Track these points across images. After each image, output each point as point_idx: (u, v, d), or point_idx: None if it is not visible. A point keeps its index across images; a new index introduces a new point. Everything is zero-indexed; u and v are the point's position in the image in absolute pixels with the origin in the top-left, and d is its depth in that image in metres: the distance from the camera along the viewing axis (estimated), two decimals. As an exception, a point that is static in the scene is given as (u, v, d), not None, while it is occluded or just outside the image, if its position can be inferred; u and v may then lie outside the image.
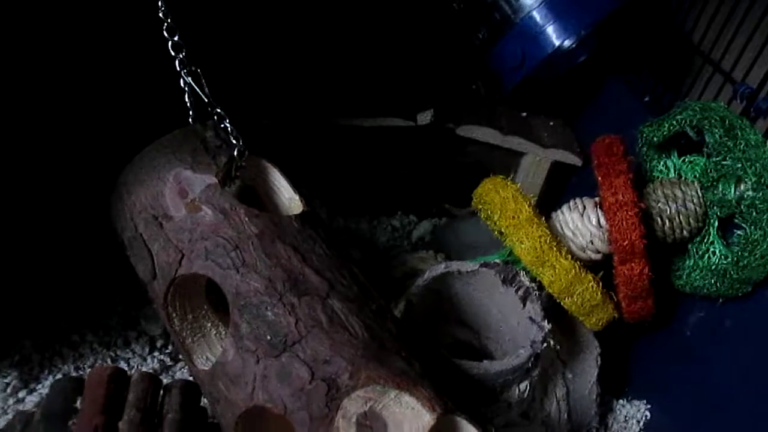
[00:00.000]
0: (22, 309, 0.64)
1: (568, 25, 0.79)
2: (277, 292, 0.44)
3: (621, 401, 0.72)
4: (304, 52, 0.79)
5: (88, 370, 0.65)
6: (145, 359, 0.67)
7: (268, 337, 0.42)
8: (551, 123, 0.90)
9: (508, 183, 0.63)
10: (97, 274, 0.69)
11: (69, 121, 0.57)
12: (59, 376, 0.64)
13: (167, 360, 0.67)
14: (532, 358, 0.55)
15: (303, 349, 0.42)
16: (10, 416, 0.60)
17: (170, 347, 0.69)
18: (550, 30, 0.78)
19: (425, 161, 0.88)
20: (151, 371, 0.58)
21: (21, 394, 0.62)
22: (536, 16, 0.78)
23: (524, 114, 0.90)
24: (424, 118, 0.84)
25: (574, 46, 0.75)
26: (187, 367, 0.50)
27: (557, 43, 0.78)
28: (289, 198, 0.53)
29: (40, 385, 0.63)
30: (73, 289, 0.68)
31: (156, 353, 0.68)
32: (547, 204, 0.77)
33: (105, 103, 0.58)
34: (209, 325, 0.50)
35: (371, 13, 0.84)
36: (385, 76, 0.85)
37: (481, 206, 0.66)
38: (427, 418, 0.40)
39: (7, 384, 0.61)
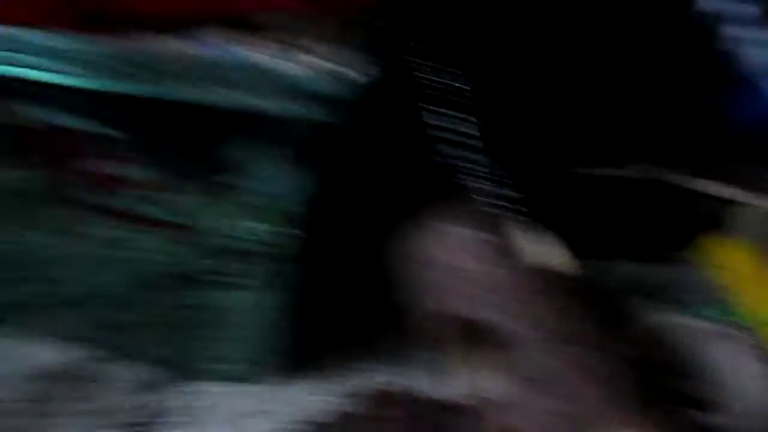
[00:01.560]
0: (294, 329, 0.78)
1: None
2: (549, 341, 0.52)
3: None
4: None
5: (343, 383, 0.77)
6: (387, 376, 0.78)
7: (536, 379, 0.51)
8: (775, 174, 0.89)
9: (742, 244, 0.67)
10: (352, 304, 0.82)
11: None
12: (319, 384, 0.76)
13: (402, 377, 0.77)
14: (763, 417, 0.59)
15: (561, 391, 0.50)
16: (280, 412, 0.73)
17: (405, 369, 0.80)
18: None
19: (645, 209, 0.92)
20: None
21: (292, 397, 0.75)
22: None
23: (746, 165, 0.90)
24: (648, 168, 0.88)
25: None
26: (446, 390, 0.60)
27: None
28: (547, 252, 0.61)
29: (305, 390, 0.76)
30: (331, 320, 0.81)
31: (395, 370, 0.79)
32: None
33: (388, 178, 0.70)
34: (466, 358, 0.59)
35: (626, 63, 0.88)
36: (622, 125, 0.89)
37: (709, 263, 0.70)
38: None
39: (279, 386, 0.75)
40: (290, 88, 0.43)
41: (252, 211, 0.55)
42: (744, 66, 0.82)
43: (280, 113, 0.45)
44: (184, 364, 0.74)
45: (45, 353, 0.76)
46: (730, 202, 0.89)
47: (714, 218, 0.89)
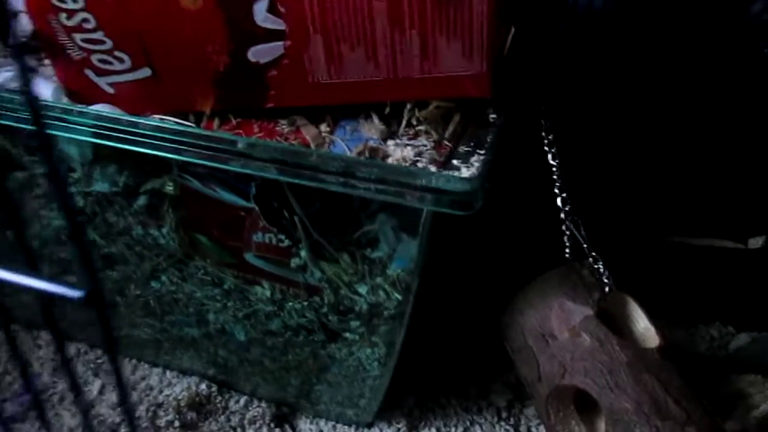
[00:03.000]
0: (412, 372, 0.85)
1: None
2: (644, 414, 0.56)
3: None
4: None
5: (453, 427, 0.84)
6: (494, 426, 0.84)
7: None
8: None
9: None
10: (462, 360, 0.88)
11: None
12: (433, 428, 0.83)
13: (511, 429, 0.83)
14: None
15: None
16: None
17: (512, 419, 0.85)
18: None
19: (751, 281, 0.93)
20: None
21: (407, 441, 0.82)
22: None
23: None
24: (756, 242, 0.89)
25: None
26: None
27: None
28: (644, 327, 0.65)
29: (420, 435, 0.83)
30: (446, 366, 0.88)
31: (502, 423, 0.85)
32: None
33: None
34: (573, 422, 0.64)
35: (707, 134, 0.91)
36: (719, 196, 0.92)
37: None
38: None
39: (399, 429, 0.82)
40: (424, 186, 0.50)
41: (382, 278, 0.62)
42: None
43: (417, 206, 0.52)
44: (292, 403, 0.82)
45: (176, 386, 0.87)
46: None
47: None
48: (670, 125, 0.90)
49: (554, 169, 0.66)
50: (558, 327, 0.63)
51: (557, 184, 0.66)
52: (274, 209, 0.59)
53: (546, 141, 0.67)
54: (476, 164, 0.51)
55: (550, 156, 0.66)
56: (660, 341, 0.62)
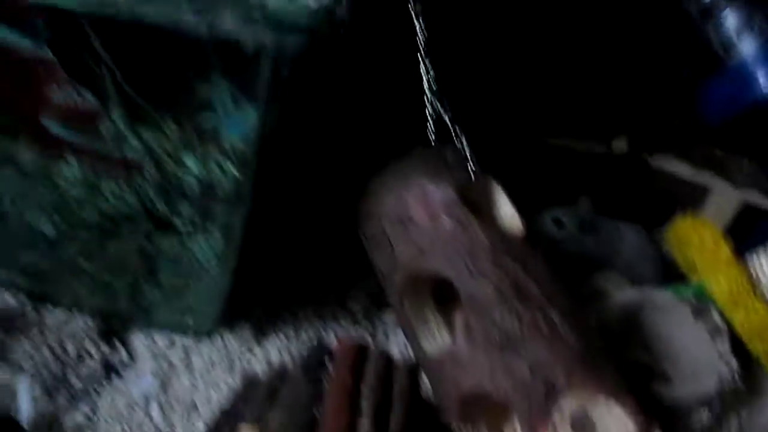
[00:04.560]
0: (259, 277, 0.76)
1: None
2: (505, 298, 0.51)
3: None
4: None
5: (305, 335, 0.76)
6: (349, 332, 0.78)
7: (496, 336, 0.50)
8: (746, 163, 0.91)
9: (709, 223, 0.67)
10: (316, 258, 0.81)
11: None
12: (283, 336, 0.76)
13: (367, 336, 0.77)
14: (718, 392, 0.59)
15: (525, 351, 0.49)
16: (245, 364, 0.73)
17: (369, 325, 0.79)
18: (763, 76, 0.79)
19: (613, 185, 0.92)
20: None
21: (254, 348, 0.74)
22: (751, 61, 0.80)
23: (720, 151, 0.91)
24: (619, 145, 0.88)
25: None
26: (410, 346, 0.59)
27: (769, 90, 0.79)
28: (509, 216, 0.60)
29: (267, 342, 0.75)
30: (297, 267, 0.80)
31: (358, 328, 0.78)
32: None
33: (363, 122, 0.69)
34: (430, 314, 0.58)
35: (580, 37, 0.89)
36: (585, 99, 0.90)
37: (675, 242, 0.70)
38: (632, 428, 0.46)
39: (244, 337, 0.74)
40: (262, 15, 0.41)
41: (214, 150, 0.53)
42: (730, 55, 0.82)
43: (250, 42, 0.42)
44: (122, 314, 0.71)
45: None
46: (698, 186, 0.89)
47: (683, 199, 0.90)
48: (538, 22, 0.86)
49: (421, 42, 0.58)
50: (417, 211, 0.56)
51: (424, 59, 0.58)
52: (76, 54, 0.47)
53: (413, 9, 0.59)
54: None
55: (417, 26, 0.58)
56: (524, 227, 0.57)
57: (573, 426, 0.46)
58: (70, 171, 0.55)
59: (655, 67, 0.90)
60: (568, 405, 0.47)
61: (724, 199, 0.89)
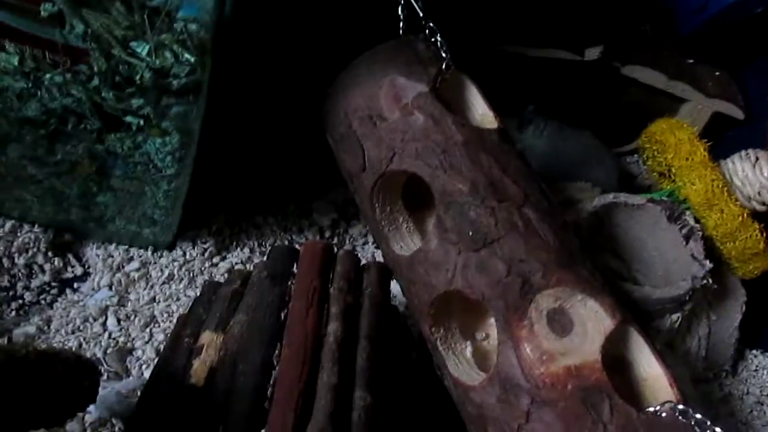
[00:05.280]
0: (220, 188, 0.73)
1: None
2: (479, 194, 0.49)
3: (754, 351, 0.74)
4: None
5: (269, 247, 0.74)
6: (315, 246, 0.75)
7: (470, 233, 0.48)
8: (717, 73, 0.89)
9: (684, 125, 0.65)
10: (281, 167, 0.77)
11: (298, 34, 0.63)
12: (245, 248, 0.73)
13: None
14: (690, 292, 0.58)
15: (501, 247, 0.47)
16: (206, 276, 0.70)
17: (336, 238, 0.77)
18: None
19: (586, 95, 0.90)
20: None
21: (215, 260, 0.71)
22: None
23: (691, 61, 0.89)
24: (592, 53, 0.85)
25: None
26: (381, 250, 0.57)
27: (743, -8, 0.77)
28: (482, 114, 0.57)
29: (229, 254, 0.72)
30: (260, 177, 0.76)
31: (324, 240, 0.76)
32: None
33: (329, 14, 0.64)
34: (401, 218, 0.56)
35: None
36: (557, 7, 0.86)
37: (649, 145, 0.68)
38: (608, 323, 0.45)
39: (205, 249, 0.71)
40: None
41: (167, 34, 0.48)
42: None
43: None
44: (76, 226, 0.67)
45: None
46: (670, 97, 0.88)
47: (651, 112, 0.89)
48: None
49: None
50: (388, 106, 0.53)
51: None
52: None
53: None
54: None
55: None
56: (499, 124, 0.54)
57: (549, 322, 0.45)
58: (8, 60, 0.50)
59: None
60: (544, 301, 0.45)
61: (697, 108, 0.87)
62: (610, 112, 0.91)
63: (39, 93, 0.53)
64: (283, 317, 0.49)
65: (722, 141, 0.91)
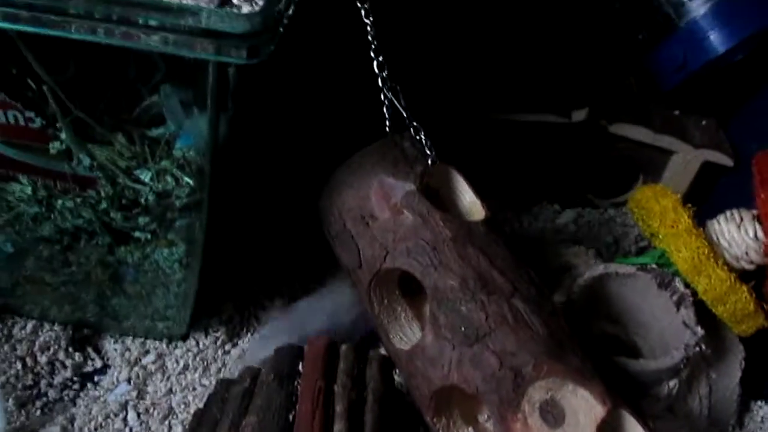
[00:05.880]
0: (228, 276, 0.76)
1: (733, 31, 0.80)
2: (470, 290, 0.51)
3: (759, 403, 0.75)
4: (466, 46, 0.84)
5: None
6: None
7: (463, 329, 0.50)
8: (703, 122, 0.92)
9: (668, 192, 0.68)
10: (283, 254, 0.80)
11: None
12: (255, 333, 0.76)
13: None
14: (684, 360, 0.60)
15: (492, 341, 0.50)
16: (219, 364, 0.73)
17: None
18: (715, 36, 0.80)
19: (575, 156, 0.93)
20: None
21: (227, 347, 0.74)
22: (701, 21, 0.80)
23: (676, 112, 0.92)
24: (579, 115, 0.88)
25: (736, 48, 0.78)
26: (382, 343, 0.59)
27: (721, 49, 0.79)
28: (470, 202, 0.60)
29: (240, 340, 0.75)
30: (265, 264, 0.79)
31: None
32: (692, 202, 0.78)
33: (317, 117, 0.68)
34: (399, 308, 0.58)
35: (532, 10, 0.88)
36: (541, 73, 0.90)
37: (636, 210, 0.71)
38: (600, 410, 0.47)
39: (217, 338, 0.74)
40: (194, 27, 0.39)
41: (168, 162, 0.52)
42: (680, 15, 0.82)
43: (188, 54, 0.41)
44: (93, 323, 0.71)
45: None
46: (659, 150, 0.90)
47: (645, 163, 0.92)
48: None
49: (369, 28, 0.57)
50: (378, 206, 0.56)
51: (373, 45, 0.57)
52: (13, 76, 0.46)
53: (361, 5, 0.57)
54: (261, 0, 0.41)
55: (363, 12, 0.57)
56: (486, 213, 0.57)
57: (542, 414, 0.47)
58: (22, 190, 0.54)
59: (609, 33, 0.90)
60: (536, 393, 0.47)
61: (686, 159, 0.90)
62: (601, 167, 0.93)
63: (52, 216, 0.56)
64: (291, 418, 0.51)
65: (716, 188, 0.93)
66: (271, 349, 0.61)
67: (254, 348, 0.69)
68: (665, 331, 0.65)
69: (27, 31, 0.41)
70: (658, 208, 0.66)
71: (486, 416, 0.56)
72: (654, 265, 0.66)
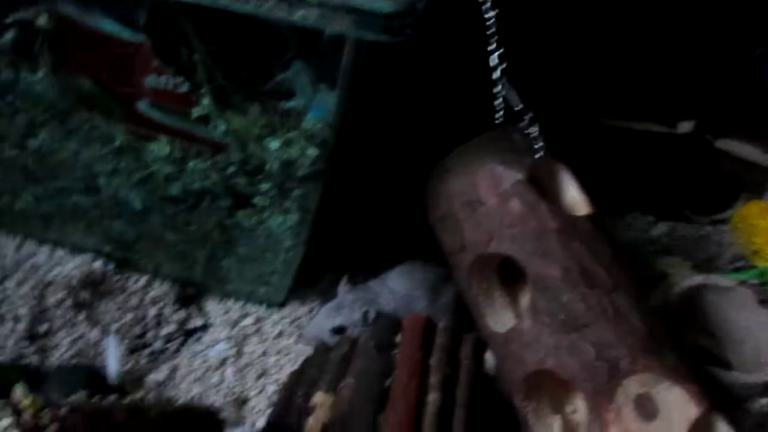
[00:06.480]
0: (329, 250, 0.79)
1: None
2: (572, 281, 0.53)
3: None
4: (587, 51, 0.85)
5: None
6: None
7: (562, 317, 0.52)
8: (815, 145, 0.89)
9: (772, 207, 0.67)
10: (384, 231, 0.83)
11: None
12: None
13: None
14: (780, 378, 0.60)
15: (590, 332, 0.51)
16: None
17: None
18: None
19: (676, 168, 0.92)
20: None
21: (322, 319, 0.77)
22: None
23: (787, 133, 0.90)
24: (685, 127, 0.87)
25: None
26: (477, 324, 0.61)
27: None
28: (574, 198, 0.61)
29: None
30: (363, 240, 0.82)
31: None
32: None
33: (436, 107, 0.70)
34: (497, 293, 0.60)
35: (651, 18, 0.88)
36: (652, 81, 0.89)
37: (740, 226, 0.70)
38: (694, 411, 0.48)
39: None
40: (344, 5, 0.43)
41: (296, 133, 0.55)
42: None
43: (326, 30, 0.44)
44: (199, 282, 0.76)
45: (68, 263, 0.78)
46: (765, 169, 0.88)
47: (744, 183, 0.90)
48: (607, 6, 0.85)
49: (490, 22, 0.59)
50: (486, 192, 0.58)
51: (493, 39, 0.59)
52: (170, 43, 0.51)
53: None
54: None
55: (488, 16, 0.59)
56: (591, 210, 0.59)
57: (637, 407, 0.48)
58: (160, 150, 0.59)
59: (726, 47, 0.88)
60: (632, 387, 0.48)
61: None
62: (702, 182, 0.92)
63: (182, 176, 0.61)
64: (387, 384, 0.54)
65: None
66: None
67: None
68: (761, 347, 0.65)
69: (187, 1, 0.45)
70: (764, 224, 0.66)
71: (573, 408, 0.57)
72: (755, 281, 0.65)
